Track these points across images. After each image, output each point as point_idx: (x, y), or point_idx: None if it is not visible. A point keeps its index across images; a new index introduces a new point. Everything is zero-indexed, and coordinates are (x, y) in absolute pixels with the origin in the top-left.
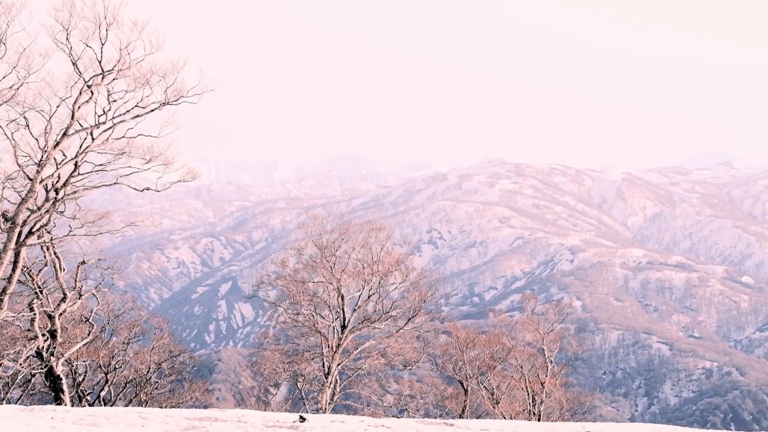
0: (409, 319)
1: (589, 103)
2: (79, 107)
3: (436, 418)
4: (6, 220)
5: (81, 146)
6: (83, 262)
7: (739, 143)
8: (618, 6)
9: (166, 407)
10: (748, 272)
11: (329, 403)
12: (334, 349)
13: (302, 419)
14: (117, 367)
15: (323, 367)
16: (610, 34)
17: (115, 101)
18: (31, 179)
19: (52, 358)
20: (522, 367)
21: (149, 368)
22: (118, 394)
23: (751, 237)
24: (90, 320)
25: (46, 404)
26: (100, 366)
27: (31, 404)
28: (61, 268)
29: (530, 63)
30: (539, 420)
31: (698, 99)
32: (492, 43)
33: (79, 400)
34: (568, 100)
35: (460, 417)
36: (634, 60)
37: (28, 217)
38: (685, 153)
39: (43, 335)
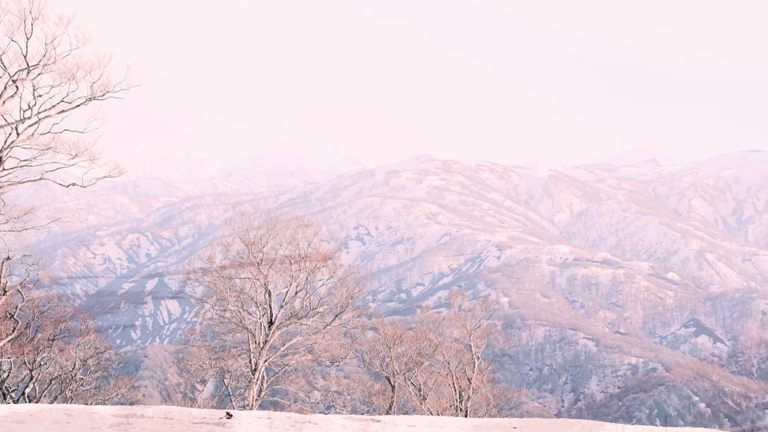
0: (337, 316)
1: (516, 101)
2: (3, 102)
3: (363, 414)
4: None
5: (5, 141)
6: (8, 258)
7: (665, 141)
8: (558, 5)
9: (91, 404)
10: (673, 269)
11: (256, 399)
12: (261, 345)
13: (229, 416)
14: (42, 363)
15: (250, 363)
16: (545, 34)
17: (40, 96)
18: None
19: None
20: (449, 364)
21: (74, 365)
22: (43, 391)
23: (676, 234)
24: (15, 317)
25: None
26: (25, 363)
27: None
28: None
29: (457, 60)
30: (466, 416)
31: (624, 98)
32: (417, 39)
33: (3, 397)
34: (495, 98)
35: (387, 413)
36: (562, 59)
37: None
38: (611, 150)
39: None
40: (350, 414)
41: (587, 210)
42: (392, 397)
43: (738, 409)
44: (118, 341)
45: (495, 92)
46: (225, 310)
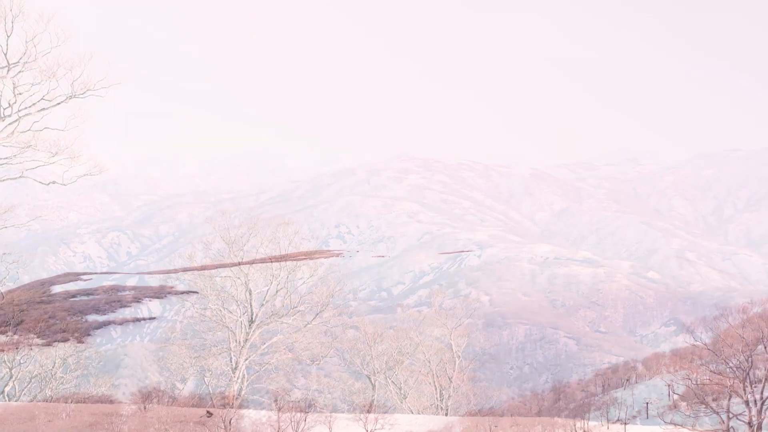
0: (317, 314)
1: (497, 100)
2: None
3: (343, 412)
4: None
5: None
6: None
7: (646, 140)
8: (539, 6)
9: (71, 402)
10: (653, 267)
11: (237, 397)
12: (242, 344)
13: (209, 414)
14: (22, 362)
15: (231, 362)
16: (526, 34)
17: (20, 94)
18: None
19: None
20: (430, 362)
21: (55, 363)
22: (23, 390)
23: (657, 232)
24: None
25: None
26: (5, 361)
27: None
28: None
29: (439, 59)
30: (447, 414)
31: (605, 97)
32: (399, 38)
33: None
34: (477, 97)
35: (368, 412)
36: (544, 59)
37: None
38: (592, 149)
39: None
40: (331, 412)
41: (568, 209)
42: (373, 395)
43: (717, 405)
44: (98, 339)
45: (477, 91)
46: (206, 309)
